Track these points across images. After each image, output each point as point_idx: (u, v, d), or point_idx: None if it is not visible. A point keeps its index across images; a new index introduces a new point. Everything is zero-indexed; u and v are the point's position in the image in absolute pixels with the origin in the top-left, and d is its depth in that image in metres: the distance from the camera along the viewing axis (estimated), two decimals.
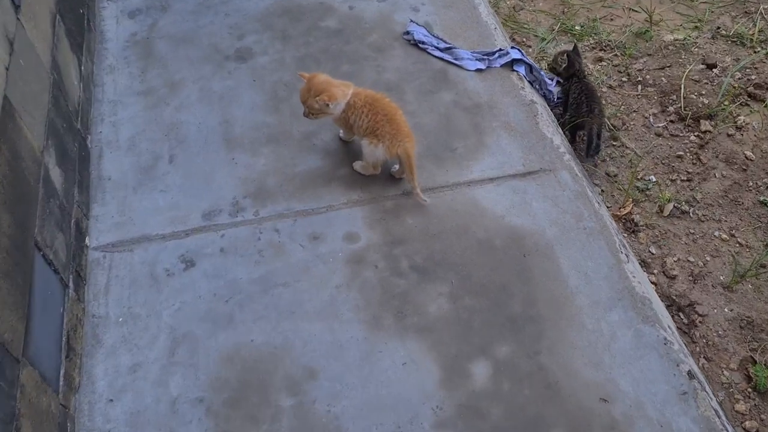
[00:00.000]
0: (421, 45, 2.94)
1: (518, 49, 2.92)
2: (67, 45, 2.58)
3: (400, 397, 1.98)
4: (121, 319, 2.13)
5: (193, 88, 2.82)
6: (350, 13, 3.14)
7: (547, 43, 3.63)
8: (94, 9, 3.10)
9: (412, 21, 3.04)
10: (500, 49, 2.92)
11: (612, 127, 3.23)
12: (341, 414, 1.95)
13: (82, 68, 2.73)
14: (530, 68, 2.91)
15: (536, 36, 3.70)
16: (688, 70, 3.40)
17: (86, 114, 2.65)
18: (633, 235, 2.87)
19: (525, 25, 3.75)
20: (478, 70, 2.87)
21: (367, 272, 2.25)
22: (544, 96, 2.97)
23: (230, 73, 2.88)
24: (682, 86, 3.33)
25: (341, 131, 2.57)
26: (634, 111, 3.31)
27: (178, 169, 2.53)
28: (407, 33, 3.00)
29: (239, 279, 2.23)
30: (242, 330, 2.11)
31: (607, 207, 2.91)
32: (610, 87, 3.43)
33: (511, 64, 2.90)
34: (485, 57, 2.89)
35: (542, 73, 2.93)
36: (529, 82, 2.90)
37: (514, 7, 3.86)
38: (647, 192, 2.99)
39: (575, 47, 3.20)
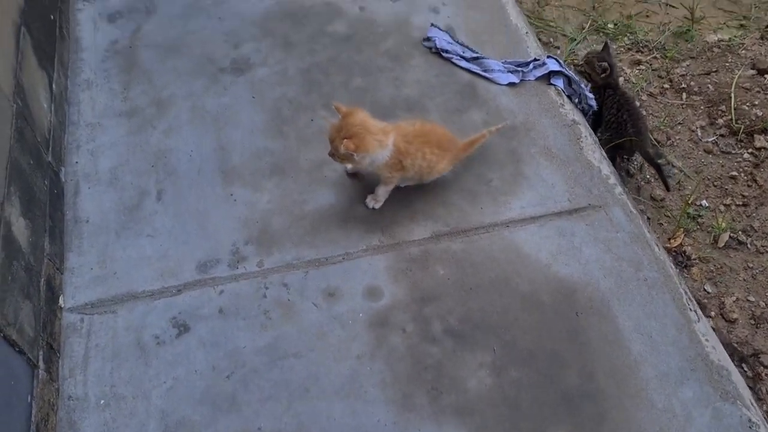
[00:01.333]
0: (444, 54, 2.57)
1: (555, 59, 2.55)
2: (34, 62, 2.19)
3: None
4: (102, 402, 1.78)
5: (184, 107, 2.44)
6: (361, 16, 2.75)
7: (578, 43, 3.26)
8: (67, 13, 2.70)
9: (433, 25, 2.66)
10: (535, 59, 2.55)
11: (656, 143, 2.87)
12: None
13: (54, 86, 2.35)
14: (569, 80, 2.54)
15: (564, 35, 3.32)
16: (737, 77, 3.04)
17: (59, 141, 2.27)
18: (685, 271, 2.53)
19: (551, 23, 3.37)
20: (511, 84, 2.51)
21: (394, 338, 1.90)
22: (583, 111, 2.61)
23: (226, 89, 2.50)
24: (732, 95, 2.97)
25: (349, 166, 2.17)
26: (679, 123, 2.96)
27: (168, 209, 2.17)
28: (428, 39, 2.62)
29: (242, 348, 1.88)
30: (248, 414, 1.77)
31: None
32: (651, 95, 3.07)
33: (547, 77, 2.53)
34: (518, 69, 2.52)
35: (583, 86, 2.56)
36: (568, 96, 2.53)
37: (538, 2, 3.48)
38: (699, 219, 2.64)
39: (606, 46, 2.82)
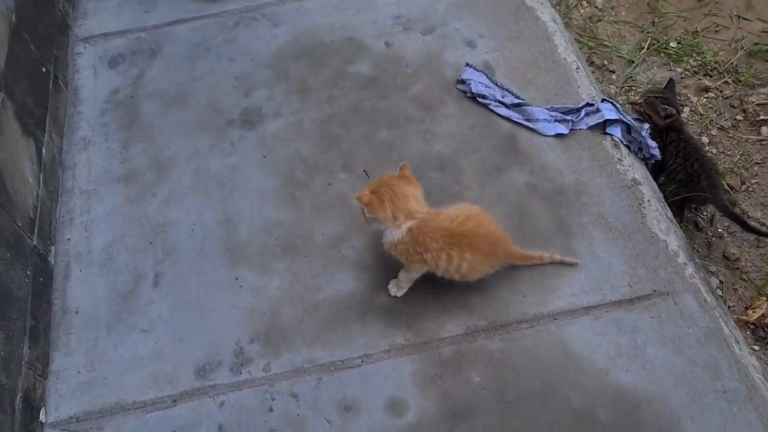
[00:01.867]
0: (481, 99, 2.23)
1: (611, 102, 2.19)
2: (17, 130, 1.96)
3: None
4: None
5: (186, 170, 2.18)
6: (387, 53, 2.43)
7: (635, 66, 2.87)
8: (65, 60, 2.45)
9: (468, 65, 2.32)
10: (588, 104, 2.19)
11: (728, 188, 2.48)
12: None
13: (44, 151, 2.11)
14: (628, 128, 2.18)
15: (620, 56, 2.93)
16: None
17: (48, 216, 2.04)
18: (767, 348, 2.16)
19: (605, 42, 2.97)
20: (559, 136, 2.16)
21: None
22: (643, 159, 2.24)
23: (233, 146, 2.22)
24: None
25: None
26: (757, 163, 2.56)
27: (166, 296, 1.91)
28: (462, 82, 2.29)
29: None
30: None
31: (729, 307, 2.20)
32: (722, 128, 2.67)
33: (602, 124, 2.17)
34: (567, 117, 2.17)
35: (644, 133, 2.20)
36: (626, 145, 2.17)
37: (590, 18, 3.09)
38: None
39: (671, 83, 2.44)
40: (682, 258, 1.90)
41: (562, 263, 1.87)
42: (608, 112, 2.15)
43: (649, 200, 2.01)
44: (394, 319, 1.83)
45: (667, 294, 1.83)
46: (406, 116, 2.25)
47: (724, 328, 1.77)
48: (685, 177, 2.25)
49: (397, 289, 1.85)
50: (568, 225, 1.97)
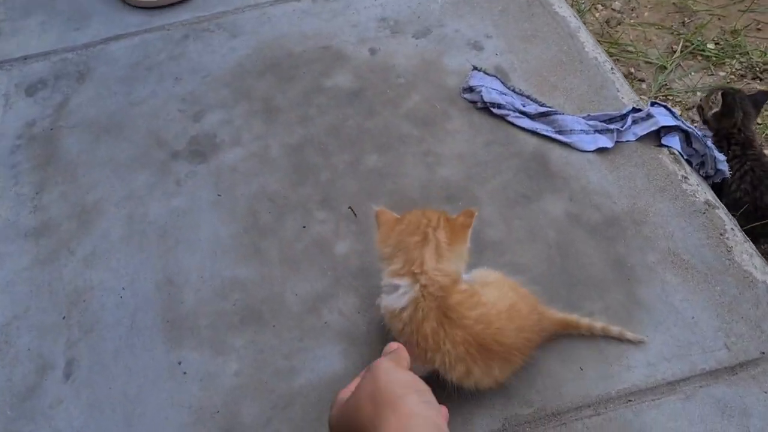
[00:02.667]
0: (496, 110, 1.74)
1: (665, 106, 1.71)
2: None
3: None
4: None
5: (117, 218, 1.65)
6: (372, 61, 1.94)
7: (669, 72, 2.40)
8: None
9: (475, 68, 1.84)
10: (634, 109, 1.70)
11: None
12: None
13: None
14: (687, 136, 1.68)
15: (649, 62, 2.46)
16: None
17: None
18: None
19: (629, 47, 2.51)
20: (600, 150, 1.65)
21: None
22: (706, 177, 1.74)
23: (179, 184, 1.71)
24: None
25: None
26: None
27: (80, 393, 1.37)
28: (470, 89, 1.80)
29: None
30: None
31: None
32: None
33: (655, 134, 1.68)
34: (610, 126, 1.67)
35: (710, 144, 1.70)
36: (686, 160, 1.67)
37: (607, 21, 2.64)
38: None
39: (760, 94, 1.97)
40: None
41: (620, 339, 1.34)
42: (663, 118, 1.65)
43: (732, 229, 1.50)
44: None
45: None
46: (401, 136, 1.75)
47: None
48: (753, 209, 1.76)
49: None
50: (630, 266, 1.45)
